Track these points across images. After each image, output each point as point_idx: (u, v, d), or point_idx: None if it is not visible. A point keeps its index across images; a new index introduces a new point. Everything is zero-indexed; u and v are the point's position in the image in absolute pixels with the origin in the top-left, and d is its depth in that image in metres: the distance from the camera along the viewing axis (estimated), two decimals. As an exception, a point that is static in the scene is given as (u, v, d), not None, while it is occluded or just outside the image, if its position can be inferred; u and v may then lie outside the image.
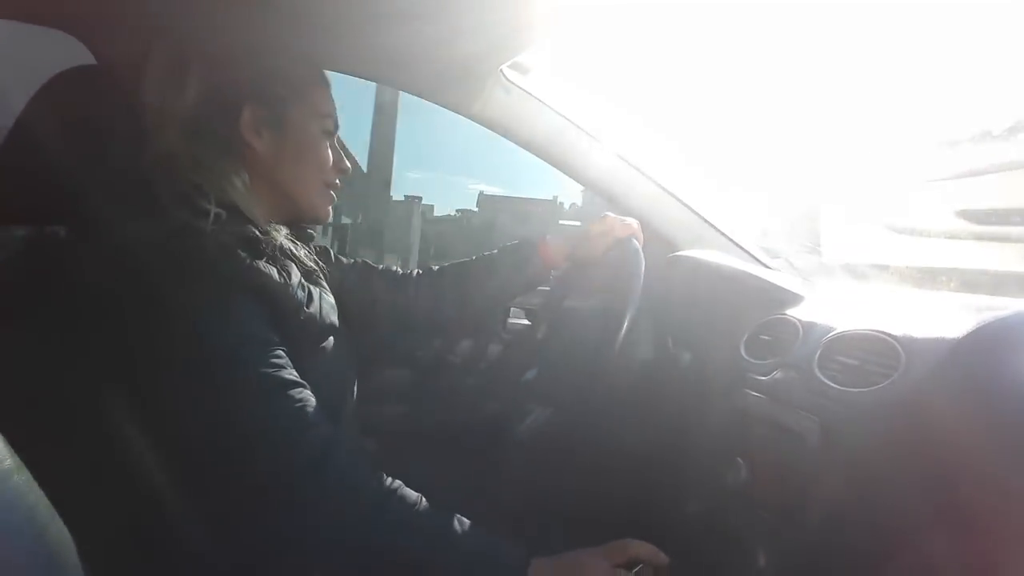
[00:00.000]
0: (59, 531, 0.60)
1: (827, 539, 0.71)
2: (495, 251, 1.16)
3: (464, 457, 1.12)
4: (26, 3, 0.92)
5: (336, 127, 0.93)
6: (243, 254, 0.73)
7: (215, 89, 0.82)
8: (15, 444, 0.61)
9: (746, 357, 0.92)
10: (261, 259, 0.75)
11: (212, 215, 0.73)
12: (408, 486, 0.79)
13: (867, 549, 0.68)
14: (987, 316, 0.70)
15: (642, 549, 0.74)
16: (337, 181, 0.94)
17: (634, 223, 1.10)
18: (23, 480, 0.59)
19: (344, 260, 1.11)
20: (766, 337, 0.92)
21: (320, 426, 0.71)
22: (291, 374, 0.72)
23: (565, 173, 1.30)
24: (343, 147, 0.99)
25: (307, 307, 0.80)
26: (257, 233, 0.77)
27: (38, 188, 0.77)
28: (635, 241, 1.03)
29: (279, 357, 0.72)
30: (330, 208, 0.94)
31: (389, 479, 0.72)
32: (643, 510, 0.90)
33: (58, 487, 0.62)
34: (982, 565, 0.61)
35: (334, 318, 0.87)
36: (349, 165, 0.96)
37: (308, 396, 0.72)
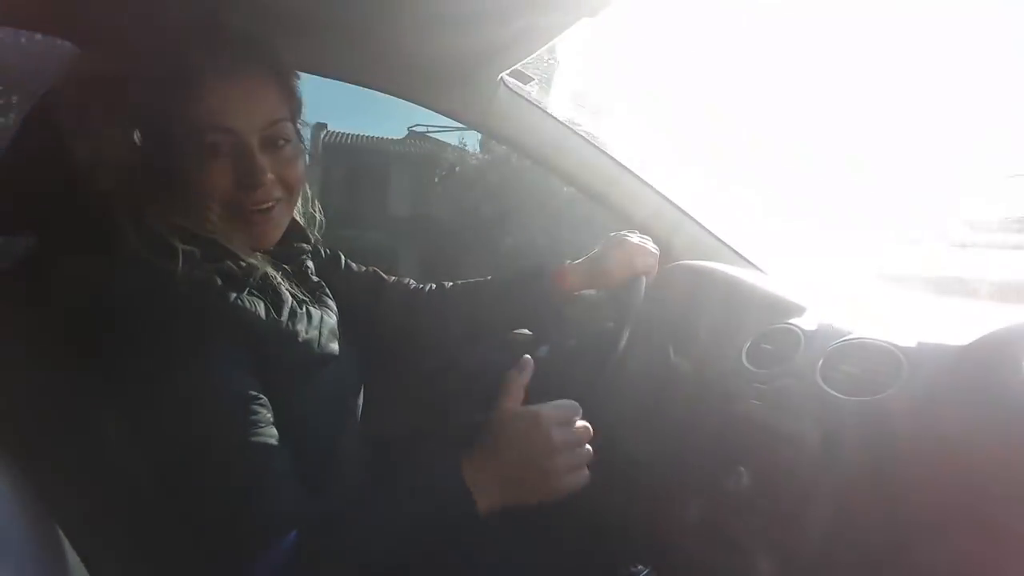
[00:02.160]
0: (60, 537, 0.60)
1: (829, 548, 0.71)
2: (511, 275, 1.11)
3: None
4: (28, 10, 0.92)
5: (237, 135, 0.75)
6: (221, 292, 0.70)
7: (121, 116, 0.75)
8: (14, 454, 0.62)
9: (748, 366, 0.91)
10: (242, 292, 0.72)
11: (180, 255, 0.68)
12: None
13: (869, 558, 0.67)
14: (991, 326, 0.70)
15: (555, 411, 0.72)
16: (256, 199, 0.78)
17: (654, 250, 1.07)
18: (24, 488, 0.59)
19: (354, 267, 1.08)
20: (768, 346, 0.92)
21: (282, 496, 0.67)
22: (262, 433, 0.68)
23: (565, 181, 1.30)
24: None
25: (301, 336, 0.77)
26: (235, 266, 0.73)
27: (36, 199, 0.77)
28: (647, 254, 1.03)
29: (255, 413, 0.68)
30: (268, 231, 0.81)
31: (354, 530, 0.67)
32: (644, 517, 0.90)
33: (54, 497, 0.62)
34: (984, 573, 0.61)
35: (335, 343, 0.84)
36: (259, 178, 0.76)
37: (276, 458, 0.68)
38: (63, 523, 0.63)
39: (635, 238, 1.07)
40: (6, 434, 0.64)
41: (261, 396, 0.70)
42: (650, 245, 1.07)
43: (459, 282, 1.13)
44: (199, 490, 0.67)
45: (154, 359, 0.67)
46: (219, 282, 0.71)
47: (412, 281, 1.13)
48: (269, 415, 0.70)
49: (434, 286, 1.13)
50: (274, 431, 0.69)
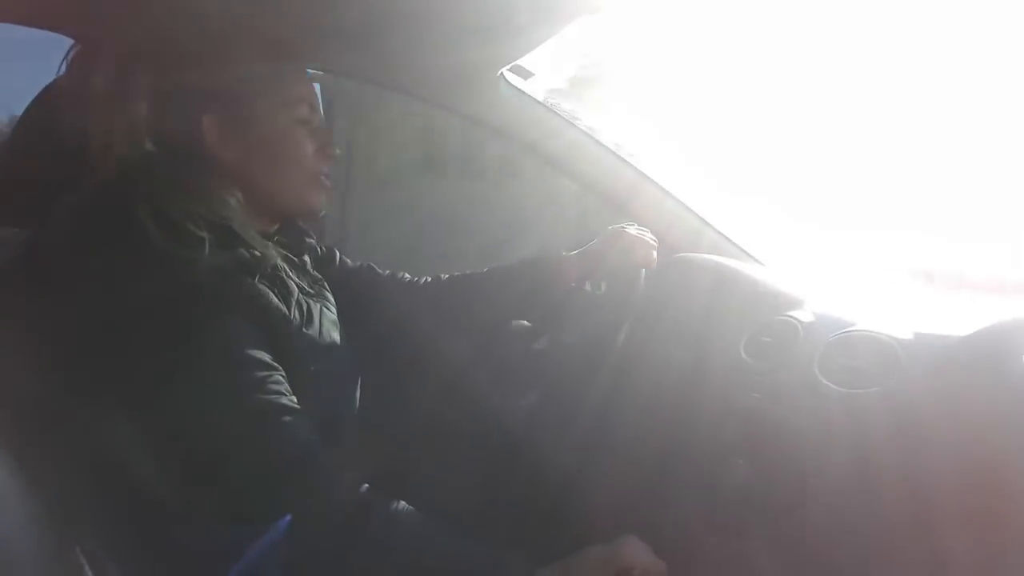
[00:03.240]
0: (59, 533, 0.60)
1: (827, 541, 0.71)
2: (510, 266, 1.12)
3: (463, 456, 1.11)
4: (27, 5, 0.92)
5: (313, 109, 0.87)
6: (237, 277, 0.72)
7: (168, 101, 0.77)
8: (14, 447, 0.62)
9: (746, 359, 0.91)
10: (256, 280, 0.73)
11: (206, 244, 0.71)
12: (409, 484, 0.78)
13: (868, 550, 0.67)
14: (987, 318, 0.70)
15: (638, 553, 0.73)
16: (325, 168, 0.88)
17: (652, 242, 1.07)
18: (23, 482, 0.59)
19: (349, 263, 1.09)
20: (766, 339, 0.92)
21: (315, 453, 0.70)
22: (288, 400, 0.71)
23: (565, 176, 1.30)
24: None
25: (306, 328, 0.79)
26: (250, 255, 0.75)
27: (37, 192, 0.77)
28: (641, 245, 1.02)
29: (277, 383, 0.71)
30: (323, 198, 0.89)
31: (387, 504, 0.70)
32: (641, 511, 0.90)
33: (57, 491, 0.63)
34: (983, 565, 0.60)
35: (335, 335, 0.85)
36: (336, 149, 0.90)
37: (303, 422, 0.71)
38: (71, 519, 0.63)
39: (633, 230, 1.07)
40: (8, 432, 0.64)
41: (280, 369, 0.73)
42: (648, 237, 1.07)
43: (456, 274, 1.14)
44: (230, 463, 0.68)
45: (176, 340, 0.69)
46: (236, 268, 0.73)
47: (406, 274, 1.13)
48: (289, 391, 0.72)
49: (429, 279, 1.13)
50: (295, 399, 0.72)
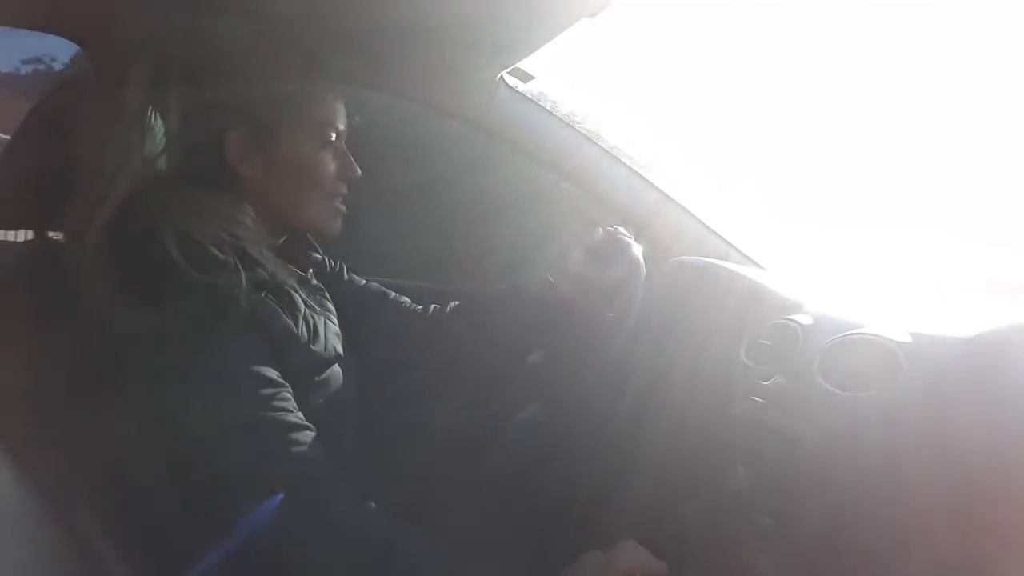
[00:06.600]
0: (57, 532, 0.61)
1: (828, 545, 0.71)
2: (510, 286, 1.09)
3: (465, 468, 1.11)
4: (29, 9, 0.93)
5: (338, 132, 0.88)
6: (250, 295, 0.73)
7: (197, 114, 0.78)
8: (15, 448, 0.62)
9: (747, 362, 0.91)
10: (267, 296, 0.75)
11: (241, 270, 0.72)
12: (407, 492, 0.78)
13: (869, 555, 0.67)
14: (991, 321, 0.70)
15: (638, 557, 0.73)
16: (344, 189, 0.90)
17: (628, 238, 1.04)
18: (23, 482, 0.59)
19: (357, 280, 1.09)
20: (766, 342, 0.92)
21: (323, 472, 0.71)
22: (295, 416, 0.72)
23: (565, 179, 1.30)
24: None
25: (312, 344, 0.79)
26: (266, 274, 0.76)
27: (40, 195, 0.78)
28: (635, 250, 1.01)
29: (284, 399, 0.72)
30: (339, 220, 0.90)
31: (390, 520, 0.71)
32: (642, 516, 0.90)
33: (59, 492, 0.63)
34: (985, 570, 0.60)
35: (339, 347, 0.86)
36: (358, 170, 0.90)
37: (309, 439, 0.71)
38: (70, 518, 0.63)
39: (615, 234, 1.04)
40: (11, 430, 0.64)
41: (288, 386, 0.74)
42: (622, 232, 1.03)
43: (456, 304, 1.12)
44: (236, 480, 0.68)
45: (190, 357, 0.69)
46: (249, 286, 0.73)
47: (408, 300, 1.12)
48: (296, 408, 0.73)
49: (435, 307, 1.12)
50: (302, 416, 0.73)
